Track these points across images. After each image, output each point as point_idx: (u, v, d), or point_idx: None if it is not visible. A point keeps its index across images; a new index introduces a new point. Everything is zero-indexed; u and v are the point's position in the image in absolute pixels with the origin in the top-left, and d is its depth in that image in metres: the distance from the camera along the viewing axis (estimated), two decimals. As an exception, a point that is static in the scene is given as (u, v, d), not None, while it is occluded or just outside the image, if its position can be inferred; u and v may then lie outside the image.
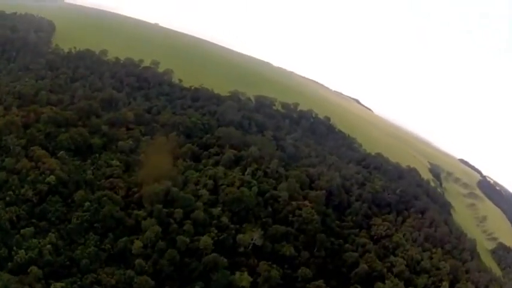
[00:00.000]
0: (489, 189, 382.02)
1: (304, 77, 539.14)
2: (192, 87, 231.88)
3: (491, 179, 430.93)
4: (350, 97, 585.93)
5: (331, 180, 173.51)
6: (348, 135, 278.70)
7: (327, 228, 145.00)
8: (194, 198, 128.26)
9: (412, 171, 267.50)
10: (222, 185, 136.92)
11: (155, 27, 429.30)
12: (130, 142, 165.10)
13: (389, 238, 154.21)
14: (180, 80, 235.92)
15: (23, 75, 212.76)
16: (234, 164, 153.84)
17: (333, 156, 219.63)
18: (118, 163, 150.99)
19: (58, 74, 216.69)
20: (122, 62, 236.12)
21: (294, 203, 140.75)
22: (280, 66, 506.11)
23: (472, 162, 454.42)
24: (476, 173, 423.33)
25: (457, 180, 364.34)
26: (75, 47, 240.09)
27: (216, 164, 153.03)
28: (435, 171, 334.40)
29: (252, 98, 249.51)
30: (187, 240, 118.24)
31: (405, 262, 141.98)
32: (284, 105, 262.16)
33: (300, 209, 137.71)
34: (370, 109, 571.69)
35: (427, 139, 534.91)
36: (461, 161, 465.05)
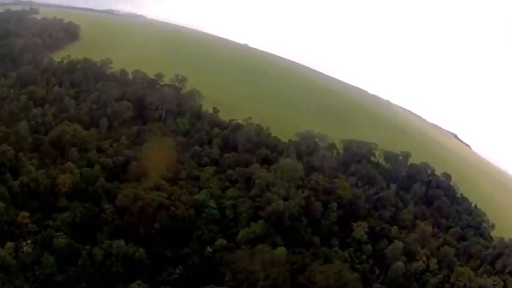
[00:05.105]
0: None
1: (400, 107, 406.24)
2: (233, 123, 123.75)
3: None
4: (448, 131, 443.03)
5: None
6: (475, 205, 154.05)
7: None
8: None
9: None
10: None
11: (229, 44, 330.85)
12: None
13: None
14: (216, 110, 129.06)
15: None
16: None
17: (464, 269, 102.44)
18: None
19: (23, 93, 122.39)
20: (128, 76, 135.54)
21: None
22: (375, 94, 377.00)
23: None
24: None
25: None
26: (69, 56, 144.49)
27: None
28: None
29: (339, 145, 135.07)
30: None
31: None
32: (388, 157, 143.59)
33: None
34: (468, 145, 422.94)
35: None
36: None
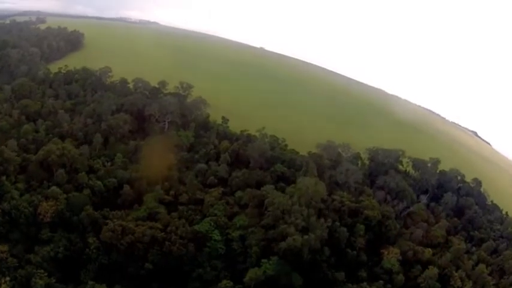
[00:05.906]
0: None
1: (419, 106, 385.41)
2: (245, 134, 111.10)
3: None
4: (468, 129, 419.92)
5: None
6: (506, 213, 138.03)
7: None
8: None
9: None
10: None
11: (239, 47, 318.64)
12: None
13: None
14: (225, 120, 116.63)
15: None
16: None
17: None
18: None
19: (15, 108, 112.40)
20: (129, 86, 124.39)
21: None
22: (394, 94, 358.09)
23: None
24: None
25: None
26: (66, 66, 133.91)
27: None
28: None
29: (363, 154, 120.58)
30: None
31: None
32: (417, 164, 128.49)
33: None
34: (489, 143, 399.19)
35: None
36: None
